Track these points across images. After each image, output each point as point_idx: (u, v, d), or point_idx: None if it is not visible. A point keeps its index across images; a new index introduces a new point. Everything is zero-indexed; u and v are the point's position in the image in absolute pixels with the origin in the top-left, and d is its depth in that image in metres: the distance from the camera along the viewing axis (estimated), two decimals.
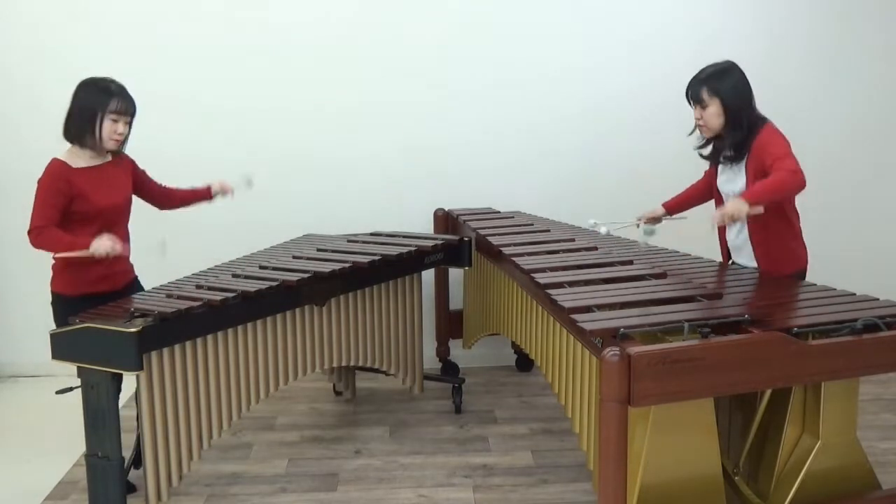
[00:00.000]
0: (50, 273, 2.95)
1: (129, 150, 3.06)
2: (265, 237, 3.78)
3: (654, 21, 4.26)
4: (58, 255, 2.83)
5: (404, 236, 3.76)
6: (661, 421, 2.30)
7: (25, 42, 4.13)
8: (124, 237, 3.02)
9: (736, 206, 2.64)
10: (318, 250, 3.46)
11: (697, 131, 3.05)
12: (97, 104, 2.82)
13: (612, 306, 2.51)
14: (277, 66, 4.18)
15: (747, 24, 4.28)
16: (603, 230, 3.21)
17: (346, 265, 3.19)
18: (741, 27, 4.27)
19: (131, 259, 3.11)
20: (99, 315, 2.64)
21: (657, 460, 2.31)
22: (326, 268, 3.14)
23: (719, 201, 3.16)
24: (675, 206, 3.34)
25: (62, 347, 2.61)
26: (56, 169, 2.82)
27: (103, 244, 2.78)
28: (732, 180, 3.02)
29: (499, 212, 4.15)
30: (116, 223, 2.97)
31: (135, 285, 3.11)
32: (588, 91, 4.29)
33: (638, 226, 3.31)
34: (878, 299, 2.59)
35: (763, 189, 2.69)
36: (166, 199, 3.24)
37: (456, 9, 4.20)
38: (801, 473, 2.45)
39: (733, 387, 2.25)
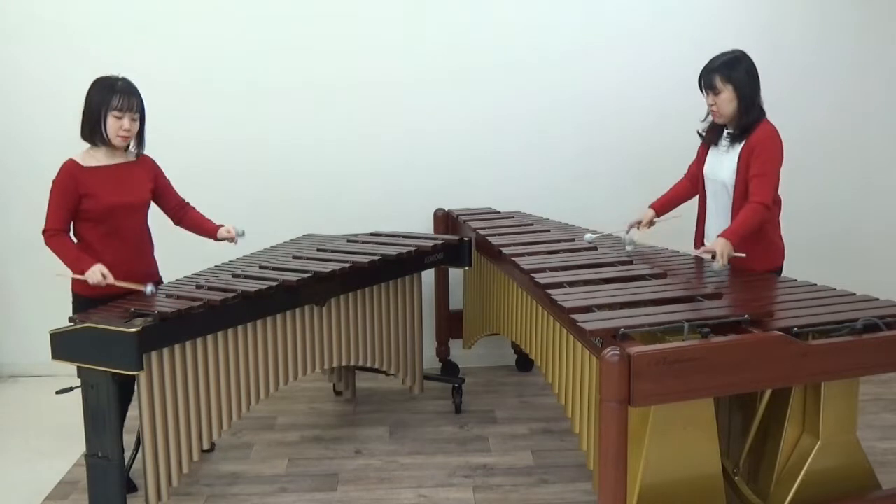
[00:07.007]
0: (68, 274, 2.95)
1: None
2: (265, 237, 3.78)
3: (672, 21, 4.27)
4: (57, 274, 2.88)
5: (404, 236, 3.76)
6: (661, 421, 2.31)
7: (39, 39, 4.11)
8: (138, 238, 3.02)
9: (724, 247, 2.85)
10: (319, 250, 3.45)
11: (710, 117, 3.14)
12: (101, 102, 2.86)
13: (612, 306, 2.51)
14: (275, 66, 4.17)
15: (746, 15, 4.27)
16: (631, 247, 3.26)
17: (346, 265, 3.19)
18: (737, 19, 4.26)
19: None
20: (99, 315, 2.64)
21: (657, 460, 2.32)
22: (326, 268, 3.14)
23: (702, 187, 3.25)
24: (662, 207, 3.39)
25: (62, 347, 2.60)
26: (66, 168, 2.88)
27: (95, 275, 2.79)
28: (719, 165, 3.12)
29: (499, 212, 4.15)
30: (128, 224, 2.97)
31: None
32: (588, 92, 4.28)
33: (628, 232, 3.37)
34: (878, 299, 2.60)
35: (743, 230, 2.91)
36: (181, 214, 3.20)
37: (457, 10, 4.19)
38: (801, 473, 2.45)
39: (733, 387, 2.25)
